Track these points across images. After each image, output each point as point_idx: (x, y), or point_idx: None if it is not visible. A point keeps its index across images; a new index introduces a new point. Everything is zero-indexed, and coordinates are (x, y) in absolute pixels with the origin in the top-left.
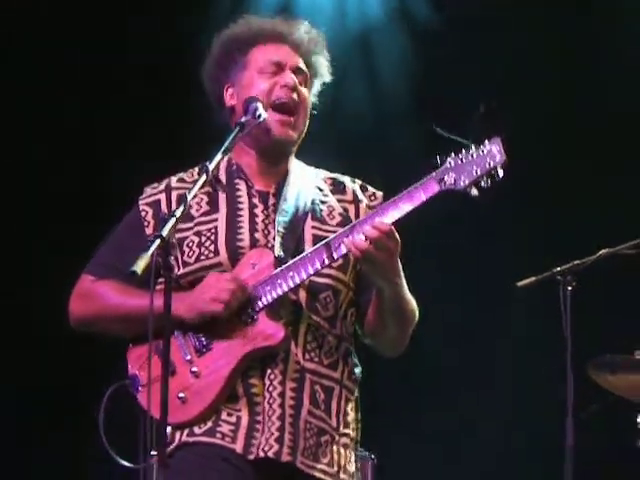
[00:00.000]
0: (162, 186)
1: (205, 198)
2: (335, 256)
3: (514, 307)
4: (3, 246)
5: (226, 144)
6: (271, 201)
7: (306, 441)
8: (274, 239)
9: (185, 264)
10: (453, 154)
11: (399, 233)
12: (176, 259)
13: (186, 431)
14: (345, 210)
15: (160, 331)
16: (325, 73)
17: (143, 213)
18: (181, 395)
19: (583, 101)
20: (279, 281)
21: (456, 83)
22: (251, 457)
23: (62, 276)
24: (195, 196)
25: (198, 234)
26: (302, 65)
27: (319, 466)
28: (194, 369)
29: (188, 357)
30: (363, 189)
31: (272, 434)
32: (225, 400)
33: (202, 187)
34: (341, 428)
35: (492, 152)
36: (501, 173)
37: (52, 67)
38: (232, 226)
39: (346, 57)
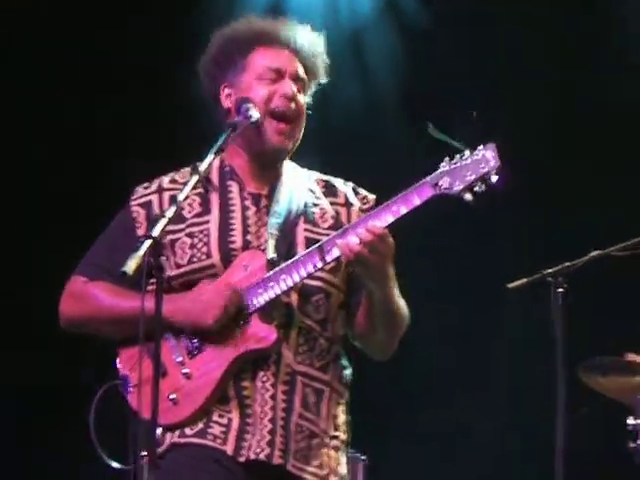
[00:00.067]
0: (154, 187)
1: (197, 199)
2: (328, 259)
3: (509, 309)
4: (3, 246)
5: (217, 145)
6: (263, 203)
7: (297, 444)
8: (266, 241)
9: (177, 266)
10: (447, 158)
11: (393, 236)
12: (168, 259)
13: (177, 432)
14: (337, 213)
15: (152, 333)
16: (322, 75)
17: (135, 214)
18: (172, 396)
19: (583, 101)
20: (272, 284)
21: (450, 81)
22: (242, 459)
23: (62, 276)
24: (187, 197)
25: (190, 236)
26: (301, 71)
27: (310, 469)
28: (185, 371)
29: (180, 359)
30: (355, 192)
31: (263, 437)
32: (216, 402)
33: (193, 188)
34: (331, 431)
35: (486, 157)
36: (495, 179)
37: (52, 67)
38: (224, 228)
39: (337, 54)
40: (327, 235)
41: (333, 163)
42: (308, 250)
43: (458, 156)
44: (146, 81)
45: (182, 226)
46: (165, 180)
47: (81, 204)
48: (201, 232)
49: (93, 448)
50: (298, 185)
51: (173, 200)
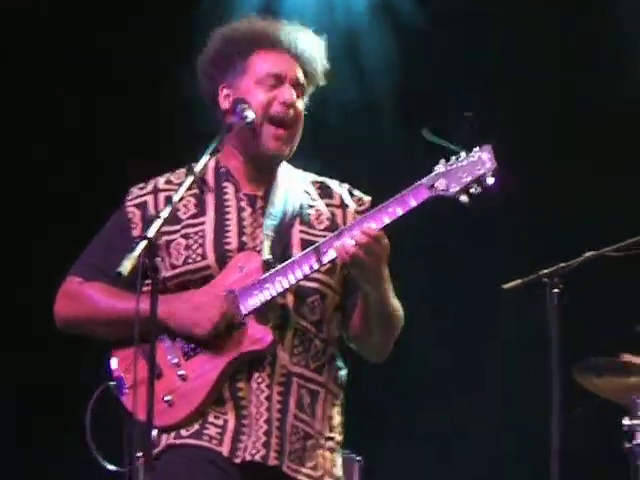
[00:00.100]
0: (149, 187)
1: (193, 200)
2: (324, 261)
3: (504, 309)
4: (3, 246)
5: (213, 146)
6: (259, 204)
7: (292, 445)
8: (262, 243)
9: (172, 267)
10: (443, 160)
11: (388, 238)
12: (163, 260)
13: (172, 433)
14: (333, 214)
15: (147, 334)
16: (321, 79)
17: (130, 215)
18: (167, 398)
19: (582, 101)
20: (267, 285)
21: (447, 81)
22: (237, 460)
23: (62, 276)
24: (182, 198)
25: (185, 237)
26: (301, 76)
27: (304, 470)
28: (181, 372)
29: (175, 360)
30: (351, 194)
31: (259, 438)
32: (212, 403)
33: (189, 189)
34: (327, 432)
35: (482, 159)
36: (491, 181)
37: (52, 67)
38: (220, 229)
39: (332, 55)
40: (323, 236)
41: (328, 163)
42: (304, 252)
43: (454, 158)
44: (146, 81)
45: (177, 227)
46: (161, 181)
47: (81, 204)
48: (196, 233)
49: (89, 450)
50: (294, 186)
51: (168, 201)
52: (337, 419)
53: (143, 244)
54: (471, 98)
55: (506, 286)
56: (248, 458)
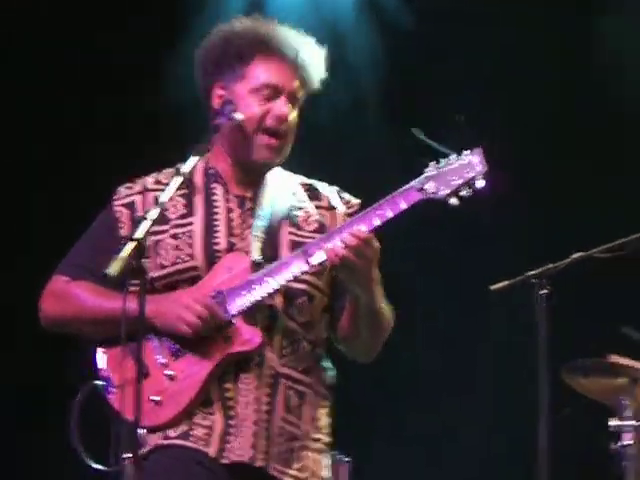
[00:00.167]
0: (138, 187)
1: (181, 201)
2: (313, 263)
3: (494, 311)
4: (3, 246)
5: (200, 147)
6: (248, 205)
7: (279, 447)
8: (251, 244)
9: (161, 267)
10: (433, 162)
11: (379, 241)
12: (151, 260)
13: (160, 434)
14: (321, 217)
15: (134, 334)
16: (316, 86)
17: (118, 214)
18: (155, 398)
19: (583, 101)
20: (256, 286)
21: (446, 82)
22: (225, 461)
23: (47, 276)
24: (171, 198)
25: (174, 237)
26: (298, 88)
27: (291, 472)
28: (169, 372)
29: (163, 360)
30: (340, 196)
31: (246, 439)
32: (200, 404)
33: (177, 190)
34: (314, 434)
35: (472, 162)
36: (481, 184)
37: (52, 67)
38: (208, 230)
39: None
40: (311, 238)
41: (314, 161)
42: (293, 253)
43: (444, 160)
44: (146, 81)
45: (166, 227)
46: (149, 181)
47: (82, 204)
48: (185, 234)
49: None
50: (282, 188)
51: (156, 202)
52: (324, 420)
53: (131, 245)
54: (471, 98)
55: (494, 287)
56: (235, 459)
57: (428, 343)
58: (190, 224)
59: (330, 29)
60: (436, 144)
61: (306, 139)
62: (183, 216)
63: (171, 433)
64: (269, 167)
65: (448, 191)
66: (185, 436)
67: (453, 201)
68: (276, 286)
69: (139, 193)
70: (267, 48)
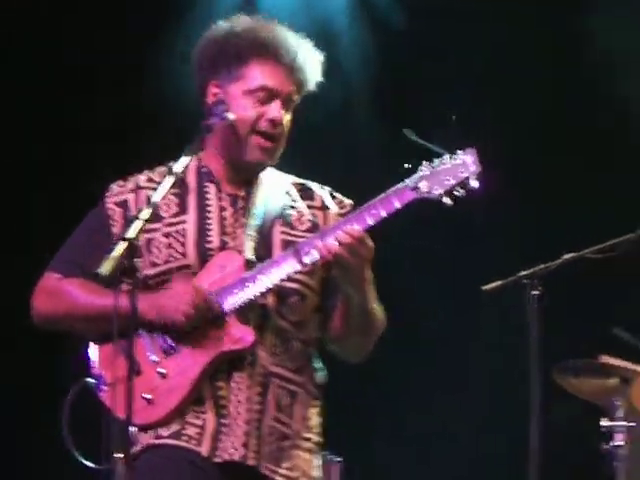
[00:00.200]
0: (130, 185)
1: (174, 199)
2: (306, 261)
3: (487, 311)
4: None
5: (191, 146)
6: (240, 204)
7: (269, 445)
8: (243, 242)
9: (153, 265)
10: (427, 162)
11: (372, 240)
12: (143, 259)
13: (152, 433)
14: (314, 216)
15: (126, 331)
16: (312, 89)
17: (110, 212)
18: (147, 396)
19: (573, 99)
20: (249, 285)
21: (437, 79)
22: (218, 460)
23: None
24: (164, 197)
25: (167, 235)
26: (293, 92)
27: (281, 471)
28: (161, 370)
29: (155, 358)
30: (332, 196)
31: (238, 438)
32: (192, 402)
33: (168, 190)
34: (304, 433)
35: (466, 162)
36: (475, 184)
37: (52, 67)
38: (201, 228)
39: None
40: (303, 237)
41: (304, 161)
42: (287, 252)
43: (437, 160)
44: (147, 81)
45: (158, 225)
46: (141, 179)
47: (82, 204)
48: (178, 232)
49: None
50: (275, 187)
51: (148, 202)
52: (315, 420)
53: (123, 245)
54: (462, 96)
55: (486, 287)
56: (227, 457)
57: (420, 343)
58: (183, 222)
59: (321, 27)
60: (429, 144)
61: (296, 138)
62: (176, 214)
63: (163, 432)
64: (262, 167)
65: (442, 191)
66: (177, 435)
67: (447, 201)
68: (269, 285)
69: (132, 191)
70: (265, 51)
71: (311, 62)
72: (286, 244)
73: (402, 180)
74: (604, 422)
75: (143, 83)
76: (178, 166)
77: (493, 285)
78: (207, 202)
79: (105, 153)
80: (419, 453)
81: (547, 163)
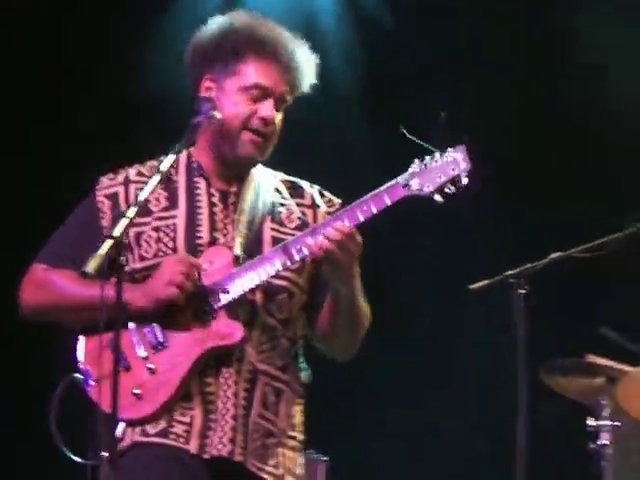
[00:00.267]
0: (120, 178)
1: (164, 193)
2: (297, 258)
3: (474, 309)
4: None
5: (178, 145)
6: (231, 200)
7: (255, 442)
8: (233, 238)
9: (142, 259)
10: (417, 159)
11: (361, 236)
12: (132, 253)
13: (138, 430)
14: (303, 214)
15: (114, 322)
16: (306, 91)
17: (100, 204)
18: (136, 391)
19: (550, 95)
20: (238, 281)
21: (412, 74)
22: (206, 456)
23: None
24: (153, 191)
25: (156, 229)
26: (287, 92)
27: (267, 468)
28: (150, 365)
29: (144, 353)
30: (321, 195)
31: (226, 433)
32: (180, 398)
33: (154, 189)
34: (289, 431)
35: (457, 159)
36: (465, 181)
37: (52, 67)
38: (191, 223)
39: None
40: (293, 235)
41: (291, 159)
42: (277, 248)
43: (428, 157)
44: (147, 80)
45: (148, 219)
46: (131, 172)
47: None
48: (167, 226)
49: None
50: (265, 184)
51: (136, 200)
52: (299, 418)
53: (109, 243)
54: (438, 91)
55: (472, 286)
56: (215, 453)
57: (407, 341)
58: (173, 217)
59: (306, 25)
60: (420, 141)
61: (281, 136)
62: (166, 209)
63: (150, 430)
64: (252, 163)
65: (432, 188)
66: (164, 434)
67: (437, 198)
68: (258, 281)
69: (121, 184)
70: (262, 49)
71: (306, 64)
72: (276, 241)
73: (393, 177)
74: (590, 421)
75: (145, 82)
76: (164, 165)
77: (480, 284)
78: (197, 197)
79: (105, 153)
80: (405, 452)
81: (531, 160)
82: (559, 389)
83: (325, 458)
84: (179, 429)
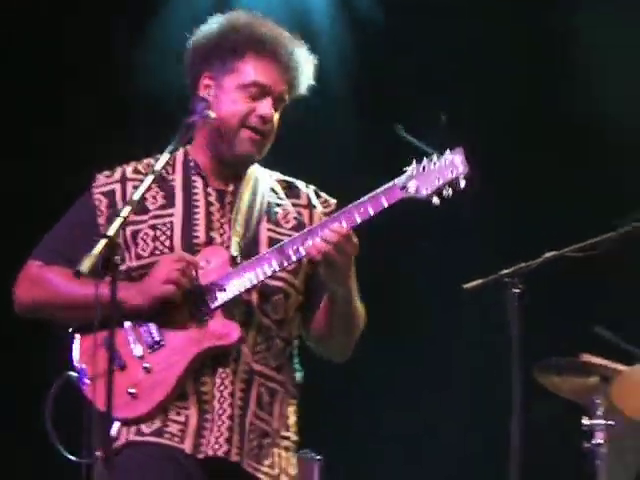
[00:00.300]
0: (117, 175)
1: (161, 192)
2: (294, 259)
3: (468, 309)
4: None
5: (172, 145)
6: (228, 200)
7: (251, 442)
8: (230, 238)
9: (138, 257)
10: (415, 161)
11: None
12: (129, 251)
13: (133, 429)
14: (299, 214)
15: (108, 320)
16: (303, 92)
17: (97, 202)
18: (132, 390)
19: (550, 95)
20: (235, 281)
21: (413, 75)
22: (201, 456)
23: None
24: (150, 188)
25: (153, 228)
26: (285, 92)
27: (263, 468)
28: (146, 365)
29: (140, 352)
30: (317, 195)
31: (222, 433)
32: (175, 398)
33: (148, 188)
34: (283, 431)
35: (455, 162)
36: (463, 184)
37: (52, 67)
38: (188, 222)
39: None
40: (289, 235)
41: (282, 157)
42: (273, 248)
43: (426, 160)
44: (148, 80)
45: (145, 217)
46: (128, 170)
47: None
48: (164, 225)
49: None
50: (262, 184)
51: (129, 199)
52: (292, 419)
53: (103, 242)
54: (437, 91)
55: (467, 286)
56: (210, 453)
57: (402, 341)
58: (170, 216)
59: (299, 24)
60: (418, 142)
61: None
62: (163, 207)
63: (145, 429)
64: (249, 161)
65: (430, 191)
66: (159, 433)
67: (435, 201)
68: (255, 281)
69: (118, 182)
70: (262, 47)
71: (305, 65)
72: (272, 241)
73: (389, 179)
74: (585, 421)
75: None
76: (159, 163)
77: (474, 283)
78: (194, 197)
79: (105, 153)
80: (399, 451)
81: (530, 160)
82: (553, 388)
83: (319, 457)
84: (174, 428)
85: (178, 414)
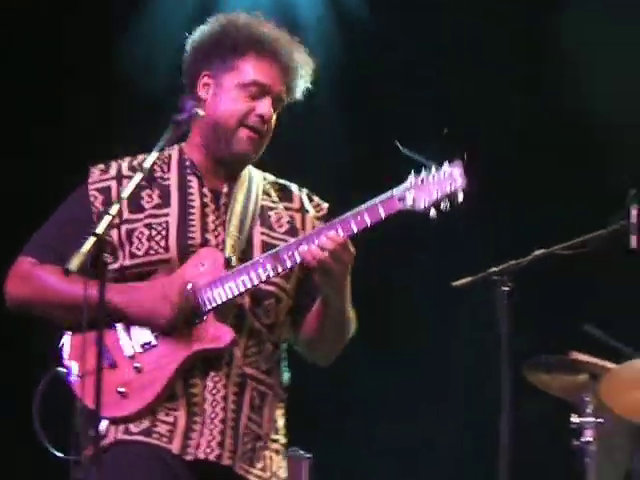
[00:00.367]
0: (113, 172)
1: (156, 190)
2: (288, 264)
3: (458, 307)
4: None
5: (160, 143)
6: (222, 201)
7: (244, 446)
8: (224, 241)
9: (133, 256)
10: (413, 173)
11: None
12: (123, 250)
13: (121, 428)
14: (292, 218)
15: (98, 321)
16: (300, 95)
17: (92, 198)
18: (121, 389)
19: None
20: (229, 284)
21: (412, 77)
22: (189, 458)
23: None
24: (142, 188)
25: (149, 227)
26: (283, 92)
27: (255, 471)
28: (137, 364)
29: (131, 352)
30: (309, 199)
31: (214, 437)
32: (165, 399)
33: (137, 186)
34: (273, 434)
35: (453, 175)
36: (461, 197)
37: (52, 67)
38: (183, 223)
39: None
40: (282, 240)
41: (269, 158)
42: (269, 253)
43: (424, 172)
44: (148, 79)
45: (140, 216)
46: (124, 166)
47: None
48: (160, 225)
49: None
50: (255, 186)
51: (118, 198)
52: (281, 422)
53: (92, 240)
54: (440, 93)
55: (456, 283)
56: (202, 456)
57: (391, 340)
58: (165, 215)
59: (285, 19)
60: (416, 156)
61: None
62: (158, 206)
63: (133, 429)
64: (246, 160)
65: (428, 204)
66: (147, 433)
67: (432, 213)
68: (249, 285)
69: (114, 179)
70: (263, 47)
71: (304, 67)
72: (265, 245)
73: (386, 189)
74: (574, 418)
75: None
76: (148, 162)
77: (463, 281)
78: (190, 197)
79: (105, 153)
80: (388, 448)
81: (520, 159)
82: (542, 386)
83: (309, 455)
84: (162, 429)
85: (167, 415)
